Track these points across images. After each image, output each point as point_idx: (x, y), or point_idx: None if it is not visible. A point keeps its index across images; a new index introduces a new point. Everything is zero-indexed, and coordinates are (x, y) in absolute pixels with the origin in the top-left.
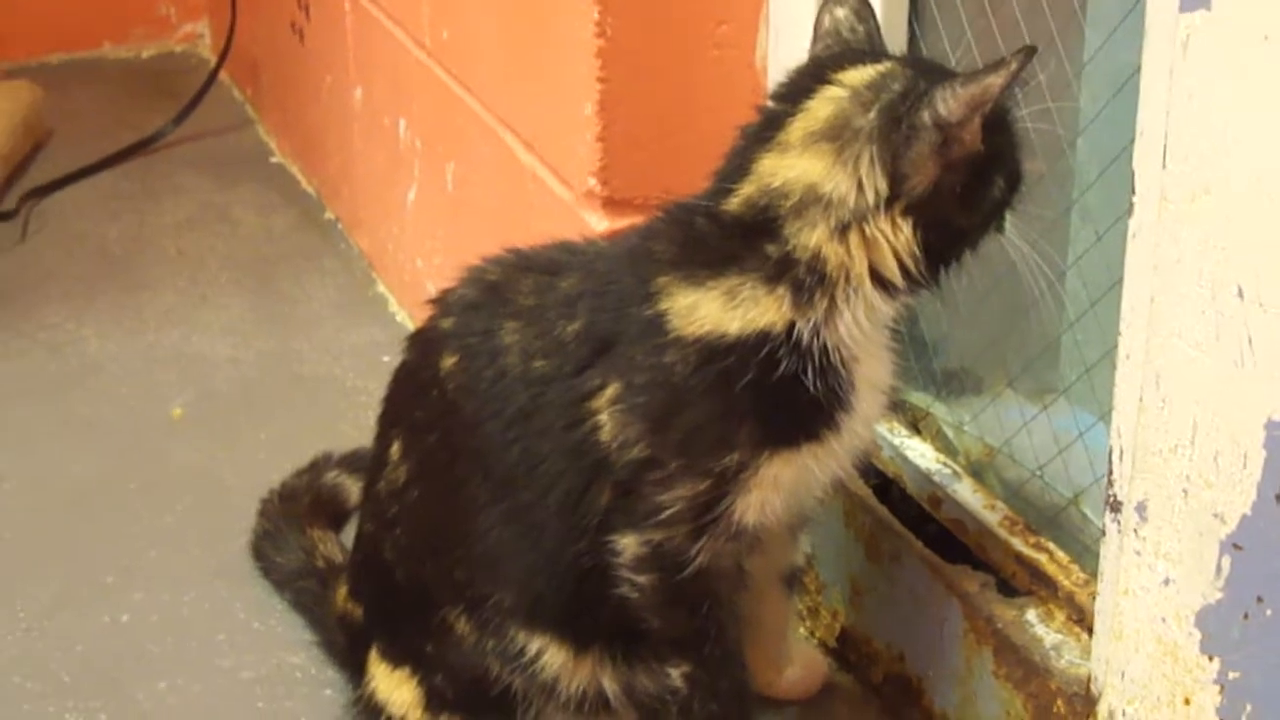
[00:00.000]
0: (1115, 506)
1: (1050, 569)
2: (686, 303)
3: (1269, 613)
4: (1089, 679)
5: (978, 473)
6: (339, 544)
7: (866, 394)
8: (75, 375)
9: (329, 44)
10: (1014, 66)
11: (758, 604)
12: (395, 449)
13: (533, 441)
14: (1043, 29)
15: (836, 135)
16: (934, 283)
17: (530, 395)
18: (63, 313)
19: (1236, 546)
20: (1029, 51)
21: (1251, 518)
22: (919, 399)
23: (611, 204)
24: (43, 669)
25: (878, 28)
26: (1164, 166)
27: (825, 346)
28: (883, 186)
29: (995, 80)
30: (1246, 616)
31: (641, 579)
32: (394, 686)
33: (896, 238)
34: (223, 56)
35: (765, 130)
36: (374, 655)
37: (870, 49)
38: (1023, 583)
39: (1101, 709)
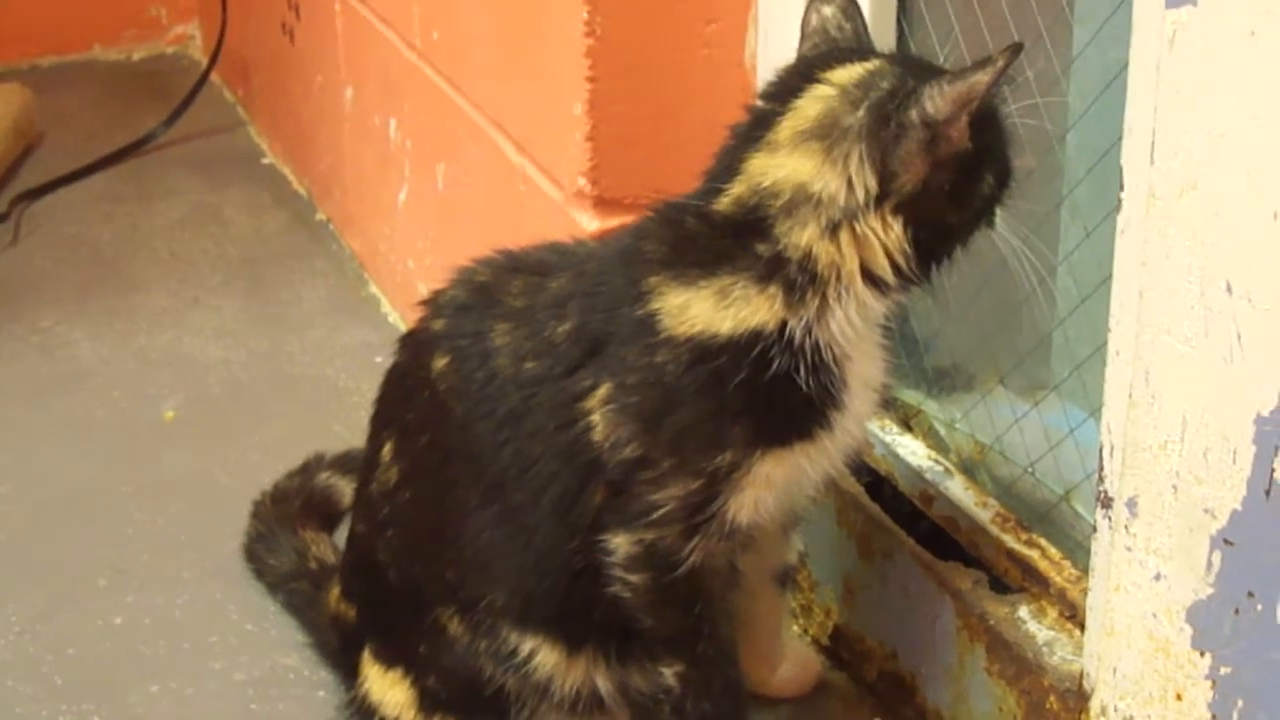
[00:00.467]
0: (1106, 503)
1: (1042, 565)
2: (678, 302)
3: (1260, 608)
4: (1081, 675)
5: (969, 470)
6: (332, 545)
7: (859, 392)
8: (67, 378)
9: (319, 45)
10: (1000, 64)
11: (751, 602)
12: (387, 450)
13: (524, 443)
14: (1030, 25)
15: (826, 134)
16: (925, 279)
17: (521, 396)
18: (55, 315)
19: (1227, 542)
20: (1016, 49)
21: (1242, 513)
22: (910, 396)
23: (602, 203)
24: (35, 672)
25: (865, 26)
26: (1152, 162)
27: (817, 345)
28: (872, 184)
29: (982, 78)
30: (1237, 612)
31: (634, 578)
32: (387, 688)
33: (887, 235)
34: (213, 58)
35: (754, 130)
36: (367, 656)
37: (858, 47)
38: (1015, 579)
39: (1094, 705)
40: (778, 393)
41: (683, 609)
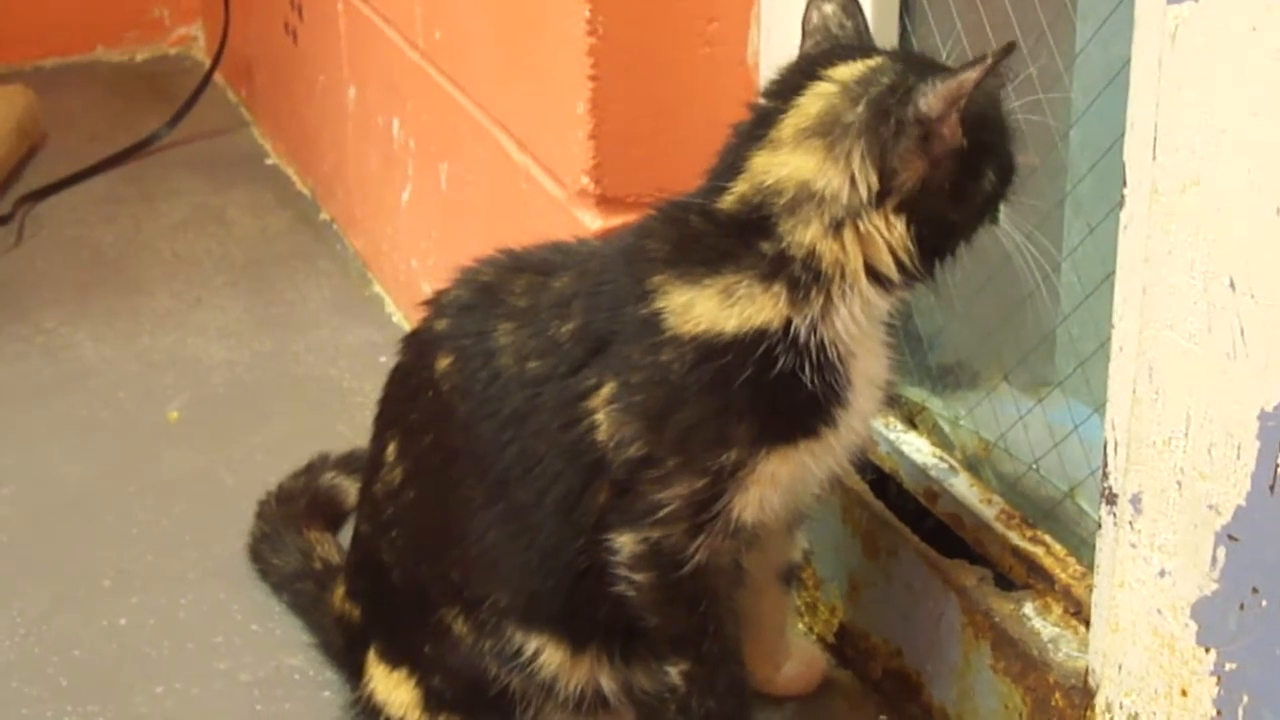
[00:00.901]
0: (1110, 499)
1: (1047, 562)
2: (682, 301)
3: (1265, 604)
4: (1086, 671)
5: (974, 467)
6: (336, 545)
7: (863, 390)
8: (71, 379)
9: (322, 45)
10: (990, 62)
11: (756, 601)
12: (391, 450)
13: (528, 442)
14: (1033, 21)
15: (827, 131)
16: (929, 276)
17: (525, 396)
18: (58, 316)
19: (1232, 538)
20: (1008, 47)
21: (1246, 509)
22: (915, 394)
23: (605, 202)
24: (40, 673)
25: (865, 23)
26: (1154, 158)
27: (822, 343)
28: (874, 181)
29: (970, 75)
30: (1242, 608)
31: (639, 577)
32: (392, 687)
33: (891, 233)
34: (216, 59)
35: (757, 128)
36: (372, 656)
37: (859, 44)
38: (1020, 576)
39: (1099, 701)
40: (783, 391)
41: (688, 607)
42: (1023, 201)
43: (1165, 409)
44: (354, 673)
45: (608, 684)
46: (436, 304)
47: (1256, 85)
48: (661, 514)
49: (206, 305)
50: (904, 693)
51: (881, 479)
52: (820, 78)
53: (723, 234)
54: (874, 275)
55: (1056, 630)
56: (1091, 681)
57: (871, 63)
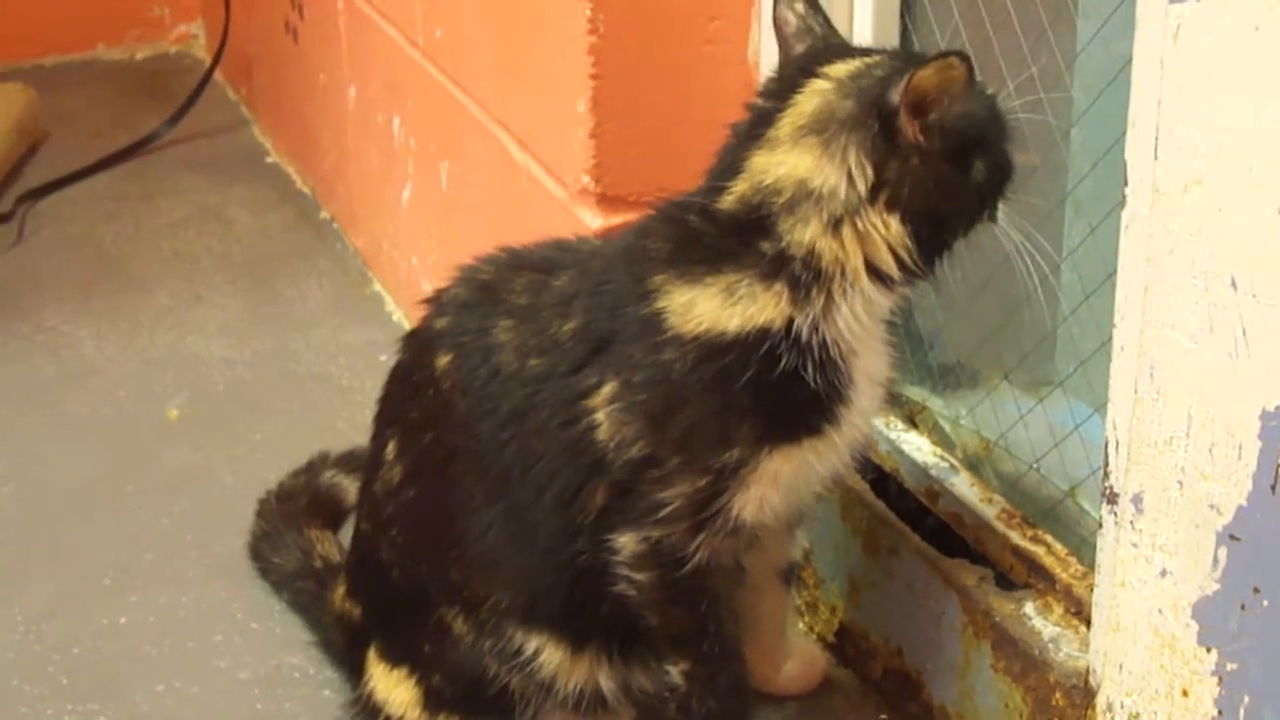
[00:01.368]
0: (1112, 499)
1: (1048, 562)
2: (683, 300)
3: (1266, 604)
4: (1087, 671)
5: (975, 466)
6: (337, 544)
7: (865, 387)
8: (72, 377)
9: (323, 43)
10: (939, 63)
11: (756, 600)
12: (391, 449)
13: (528, 440)
14: (1034, 20)
15: (823, 128)
16: (930, 272)
17: (525, 394)
18: (59, 315)
19: (1233, 538)
20: (961, 56)
21: (1248, 509)
22: (915, 393)
23: (605, 201)
24: (41, 671)
25: (827, 20)
26: (1156, 157)
27: (824, 341)
28: (870, 174)
29: (923, 74)
30: (1244, 608)
31: (640, 576)
32: (392, 686)
33: (888, 230)
34: (217, 57)
35: (755, 127)
36: (372, 655)
37: (838, 40)
38: (1020, 576)
39: (1100, 701)
40: (786, 390)
41: (689, 607)
42: (1022, 200)
43: (1167, 408)
44: (354, 671)
45: (606, 683)
46: (436, 302)
47: (1259, 84)
48: (663, 513)
49: (207, 303)
50: (904, 692)
51: (882, 478)
52: (817, 75)
53: (723, 234)
54: (874, 273)
55: (1057, 630)
56: (1092, 681)
57: (870, 59)
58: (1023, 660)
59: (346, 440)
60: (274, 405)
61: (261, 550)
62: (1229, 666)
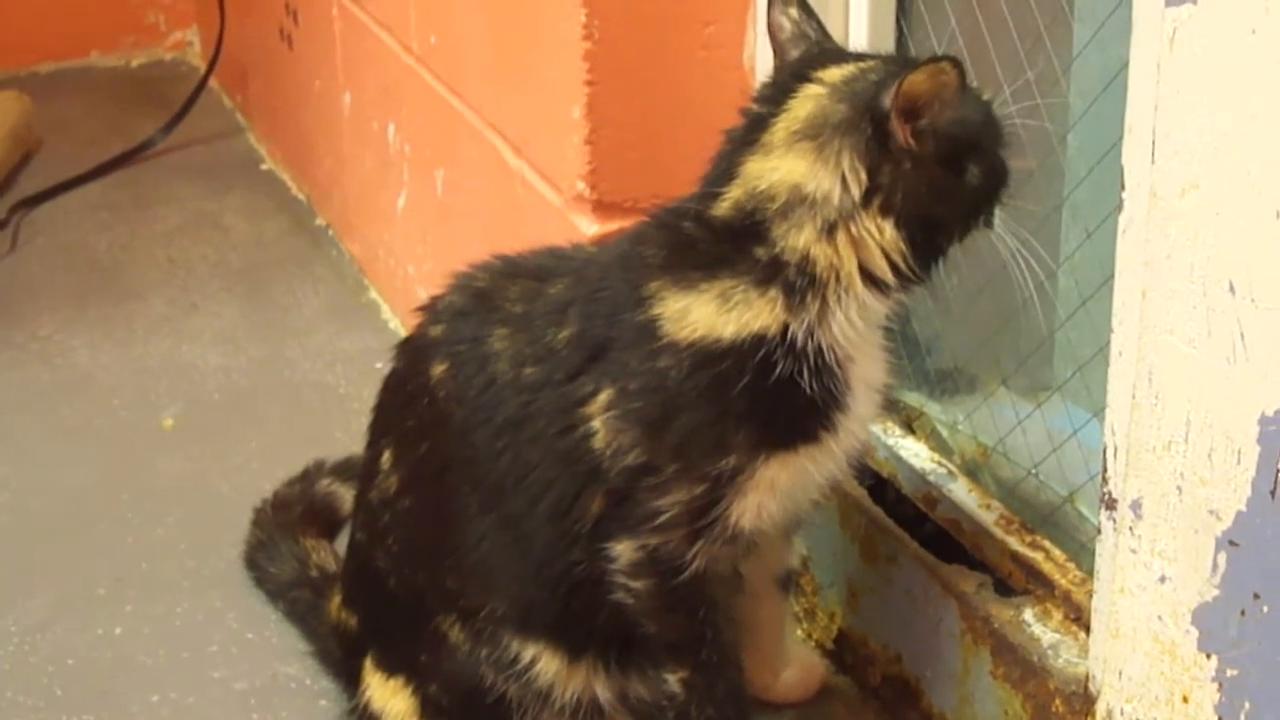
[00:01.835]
0: (1110, 504)
1: (1047, 568)
2: (678, 307)
3: (1266, 609)
4: (1087, 678)
5: (973, 472)
6: (333, 553)
7: (862, 394)
8: (66, 386)
9: (317, 50)
10: (930, 68)
11: (753, 607)
12: (386, 458)
13: (523, 449)
14: (1030, 25)
15: (816, 133)
16: (925, 277)
17: (520, 403)
18: (53, 323)
19: (1233, 543)
20: (953, 61)
21: (1247, 514)
22: (913, 399)
23: (601, 207)
24: (35, 683)
25: (820, 24)
26: (1153, 162)
27: (820, 347)
28: (863, 178)
29: (916, 77)
30: (1244, 614)
31: (637, 584)
32: (389, 696)
33: (881, 236)
34: (212, 64)
35: (749, 133)
36: (369, 665)
37: (832, 45)
38: (1019, 582)
39: (1099, 708)
40: (782, 396)
41: (686, 614)
42: (1019, 206)
43: (1165, 414)
44: (351, 681)
45: (603, 692)
46: (431, 310)
47: (1256, 88)
48: (660, 521)
49: (202, 311)
50: (903, 699)
51: (880, 484)
52: (811, 80)
53: (718, 240)
54: (869, 278)
55: (1056, 636)
56: (1092, 688)
57: (864, 64)
58: (1022, 667)
59: (343, 448)
60: (270, 413)
61: (257, 559)
62: (1229, 673)
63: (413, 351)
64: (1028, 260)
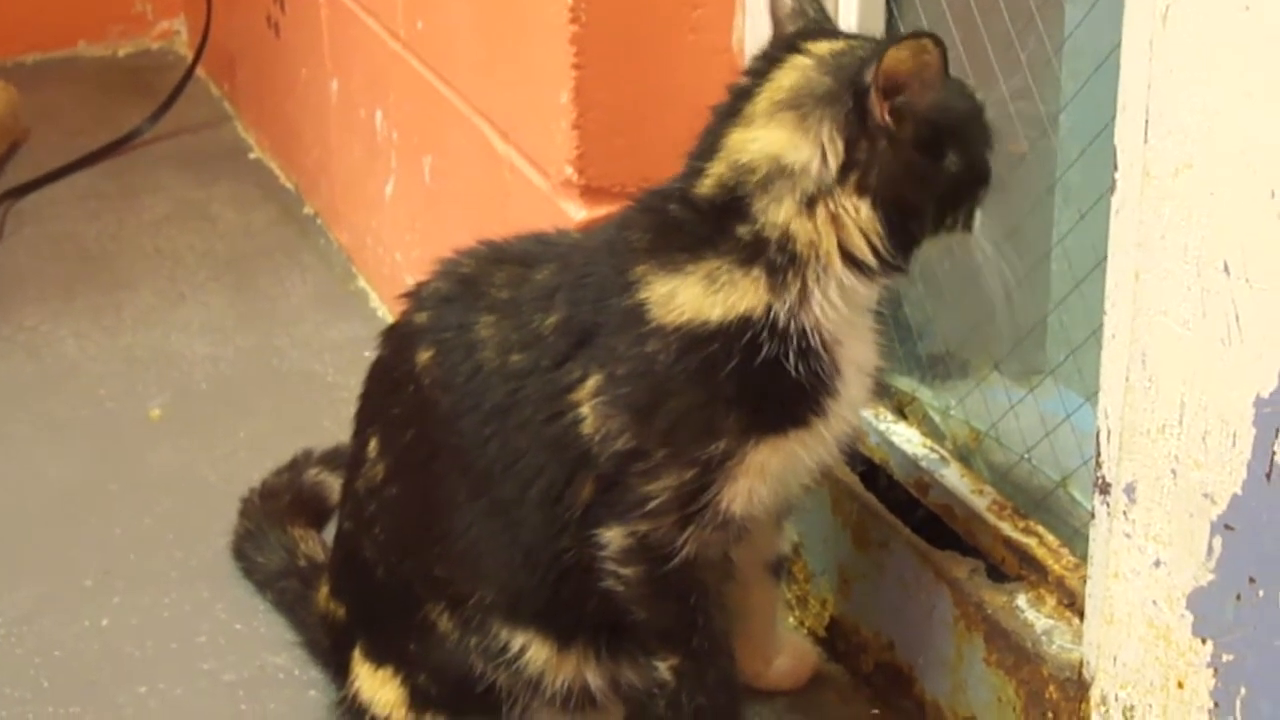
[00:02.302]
0: (1104, 488)
1: (1040, 553)
2: (665, 291)
3: (1261, 593)
4: (1081, 664)
5: (965, 457)
6: (321, 542)
7: (852, 378)
8: (53, 376)
9: (304, 37)
10: (913, 44)
11: (745, 594)
12: (373, 446)
13: (511, 436)
14: (1022, 5)
15: (799, 104)
16: (902, 264)
17: (508, 389)
18: (40, 314)
19: (1228, 527)
20: (934, 39)
21: (1242, 497)
22: (905, 383)
23: (589, 192)
24: (22, 674)
25: (821, 4)
26: (1146, 141)
27: (803, 329)
28: (840, 151)
29: (897, 53)
30: (1239, 598)
31: (628, 571)
32: (378, 686)
33: (858, 214)
34: (199, 53)
35: (734, 104)
36: (357, 655)
37: (830, 25)
38: (1012, 568)
39: (1094, 694)
40: (770, 379)
41: (677, 601)
42: (1002, 199)
43: (1159, 396)
44: (340, 672)
45: (594, 680)
46: (416, 297)
47: (1250, 66)
48: (650, 506)
49: (190, 301)
50: (896, 686)
51: (872, 470)
52: (799, 51)
53: (702, 220)
54: (849, 259)
55: (1050, 622)
56: (1086, 674)
57: (855, 41)
58: (1015, 653)
59: (331, 438)
60: (258, 403)
61: (245, 550)
62: (1225, 658)
63: (398, 339)
64: (1001, 266)
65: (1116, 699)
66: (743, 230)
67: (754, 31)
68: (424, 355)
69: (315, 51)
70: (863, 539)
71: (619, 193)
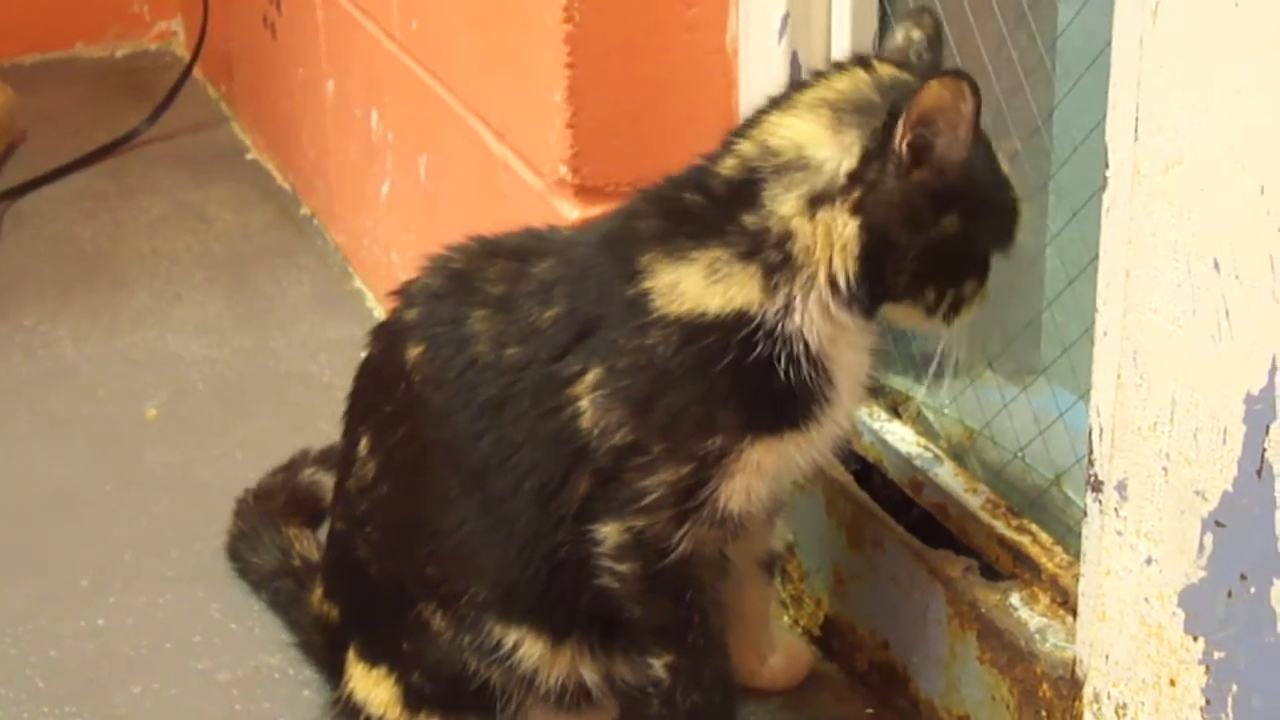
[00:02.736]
0: (1096, 486)
1: (1033, 552)
2: (669, 280)
3: (1253, 590)
4: (1074, 662)
5: (959, 456)
6: (316, 542)
7: (844, 384)
8: (50, 377)
9: (300, 37)
10: (950, 82)
11: (738, 592)
12: (363, 445)
13: (506, 430)
14: (1014, 3)
15: (840, 106)
16: (867, 303)
17: (503, 383)
18: (38, 314)
19: (1219, 524)
20: (971, 85)
21: (1233, 494)
22: (898, 382)
23: (583, 192)
24: (17, 674)
25: (940, 66)
26: (1136, 138)
27: (791, 336)
28: (855, 161)
29: (932, 85)
30: (1230, 595)
31: (623, 568)
32: (371, 686)
33: (844, 230)
34: (196, 53)
35: (787, 93)
36: (351, 655)
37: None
38: (1006, 566)
39: (1086, 692)
40: (763, 380)
41: (673, 598)
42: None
43: (1150, 394)
44: (335, 673)
45: (590, 675)
46: (405, 293)
47: (1240, 62)
48: (646, 501)
49: (187, 301)
50: (891, 685)
51: (866, 469)
52: (865, 66)
53: (712, 205)
54: (832, 279)
55: (1043, 620)
56: (1079, 672)
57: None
58: (1009, 651)
59: (328, 438)
60: (255, 403)
61: (239, 550)
62: (1216, 655)
63: (387, 336)
64: (953, 351)
65: (1109, 697)
66: (749, 220)
67: (748, 31)
68: (414, 351)
69: (311, 52)
70: (857, 538)
71: (613, 192)
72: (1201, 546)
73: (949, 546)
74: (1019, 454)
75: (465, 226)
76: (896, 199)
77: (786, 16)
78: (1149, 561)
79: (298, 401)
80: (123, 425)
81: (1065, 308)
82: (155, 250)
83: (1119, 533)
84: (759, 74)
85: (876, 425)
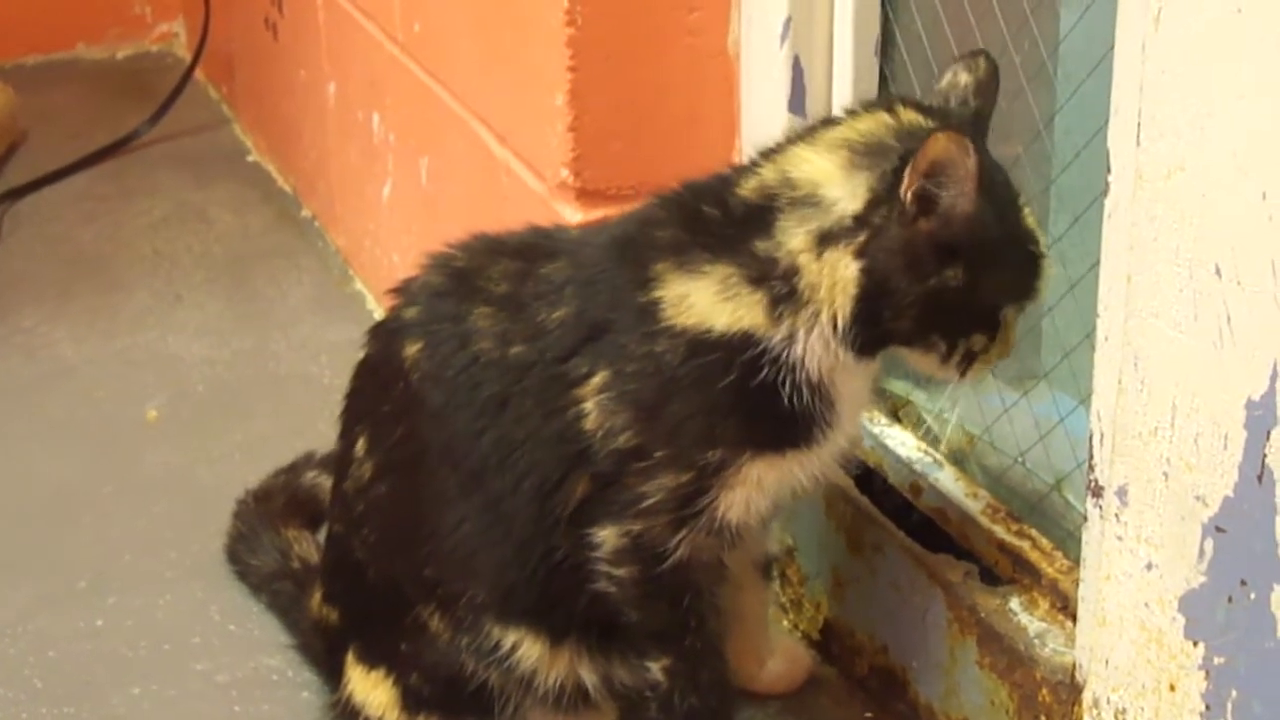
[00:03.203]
0: (1096, 491)
1: (1033, 556)
2: (680, 291)
3: (1253, 596)
4: (1074, 667)
5: (959, 461)
6: (315, 544)
7: (846, 408)
8: (50, 378)
9: (302, 39)
10: (957, 139)
11: (736, 595)
12: (361, 445)
13: (507, 429)
14: (1016, 7)
15: (859, 148)
16: (867, 346)
17: (506, 381)
18: (37, 315)
19: (1219, 529)
20: (976, 145)
21: (1234, 500)
22: (899, 387)
23: (585, 195)
24: (16, 675)
25: (989, 113)
26: (1138, 143)
27: (794, 365)
28: (861, 206)
29: (939, 135)
30: (1231, 600)
31: (621, 572)
32: (370, 688)
33: (846, 271)
34: (197, 55)
35: (816, 125)
36: (350, 657)
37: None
38: (1006, 571)
39: (1086, 697)
40: (767, 401)
41: (670, 603)
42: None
43: (1151, 399)
44: (333, 675)
45: (588, 677)
46: (405, 291)
47: (1242, 68)
48: (644, 505)
49: (187, 303)
50: (890, 690)
51: (866, 474)
52: (891, 109)
53: (731, 222)
54: (833, 318)
55: (1043, 625)
56: (1079, 677)
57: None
58: (1008, 656)
59: (328, 440)
60: (255, 405)
61: (239, 552)
62: (1216, 660)
63: (385, 335)
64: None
65: (1109, 702)
66: (760, 246)
67: (749, 35)
68: (412, 349)
69: (313, 54)
70: (856, 542)
71: (615, 195)
72: (1202, 552)
73: (949, 551)
74: (1019, 459)
75: (466, 229)
76: (899, 245)
77: (789, 21)
78: (1149, 566)
79: (298, 403)
80: (122, 426)
81: (1066, 313)
82: (156, 251)
83: (1119, 538)
84: (761, 78)
85: (877, 429)
